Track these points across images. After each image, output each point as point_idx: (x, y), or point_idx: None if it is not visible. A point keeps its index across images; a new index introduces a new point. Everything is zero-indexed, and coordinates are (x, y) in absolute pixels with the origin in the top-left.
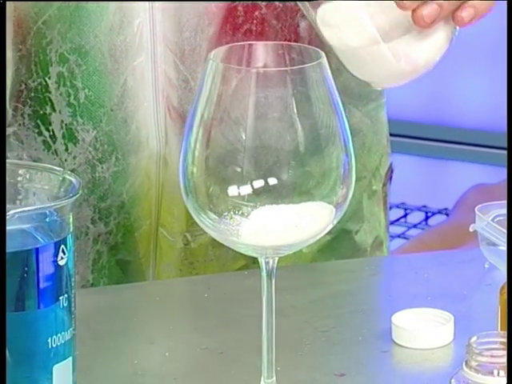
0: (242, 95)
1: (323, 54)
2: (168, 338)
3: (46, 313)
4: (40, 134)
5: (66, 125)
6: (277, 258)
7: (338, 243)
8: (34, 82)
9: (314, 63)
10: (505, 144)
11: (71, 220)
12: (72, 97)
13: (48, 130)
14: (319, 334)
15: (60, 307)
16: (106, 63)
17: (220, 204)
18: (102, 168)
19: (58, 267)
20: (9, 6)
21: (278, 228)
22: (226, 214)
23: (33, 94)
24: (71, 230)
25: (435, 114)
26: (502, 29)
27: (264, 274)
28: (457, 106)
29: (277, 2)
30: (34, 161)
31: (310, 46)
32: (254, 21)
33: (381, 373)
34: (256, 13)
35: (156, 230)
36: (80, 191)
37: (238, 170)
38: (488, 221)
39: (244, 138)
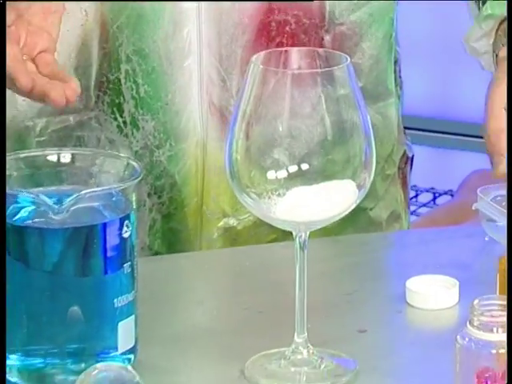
0: (279, 93)
1: (348, 58)
2: (215, 299)
3: (112, 278)
4: (115, 119)
5: (131, 114)
6: (308, 232)
7: (354, 217)
8: (112, 75)
9: (341, 66)
10: None
11: (134, 199)
12: (134, 91)
13: (122, 116)
14: (344, 297)
15: (124, 273)
16: (162, 64)
17: (260, 186)
18: (159, 153)
19: (122, 239)
20: (95, 10)
21: (308, 206)
22: (264, 194)
23: (111, 86)
24: (134, 207)
25: (443, 111)
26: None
27: (297, 245)
28: (461, 104)
29: (304, 19)
30: (109, 142)
31: (337, 52)
32: (285, 35)
33: (396, 330)
34: (287, 28)
35: (201, 208)
36: (142, 174)
37: (275, 157)
38: (488, 201)
39: (280, 129)
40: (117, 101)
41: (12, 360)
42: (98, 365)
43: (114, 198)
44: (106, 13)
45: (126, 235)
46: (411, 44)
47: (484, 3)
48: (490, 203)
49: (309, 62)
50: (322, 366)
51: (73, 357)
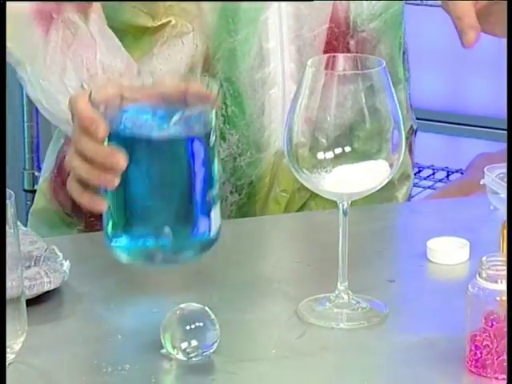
0: (328, 90)
1: (384, 62)
2: (274, 254)
3: (202, 176)
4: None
5: (220, 128)
6: (350, 202)
7: None
8: None
9: (378, 68)
10: (501, 126)
11: (213, 118)
12: (223, 110)
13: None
14: (377, 253)
15: (208, 173)
16: (246, 91)
17: (311, 164)
18: (240, 160)
19: (208, 147)
20: (202, 44)
21: (350, 181)
22: (315, 170)
23: None
24: (213, 125)
25: (456, 106)
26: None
27: (340, 212)
28: (470, 100)
29: (335, 30)
30: None
31: (374, 56)
32: (323, 43)
33: (419, 280)
34: (325, 38)
35: (269, 192)
36: (218, 97)
37: (324, 141)
38: (493, 177)
39: (329, 119)
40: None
41: (121, 242)
42: (182, 305)
43: (200, 117)
44: (210, 47)
45: (211, 144)
46: (428, 50)
47: None
48: (494, 179)
49: (352, 65)
50: (359, 309)
51: (174, 238)
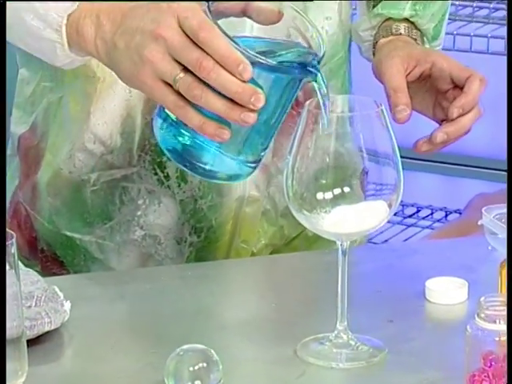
0: (327, 131)
1: (382, 104)
2: (273, 295)
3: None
4: (156, 174)
5: (180, 170)
6: (349, 242)
7: None
8: (154, 140)
9: (377, 109)
10: (500, 167)
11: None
12: None
13: (162, 172)
14: (375, 293)
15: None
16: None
17: (310, 205)
18: (201, 202)
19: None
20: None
21: (349, 221)
22: (314, 211)
23: (153, 148)
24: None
25: (453, 147)
26: (503, 84)
27: (340, 252)
28: (468, 141)
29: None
30: (149, 192)
31: (373, 99)
32: None
33: (418, 320)
34: None
35: (231, 243)
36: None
37: (323, 182)
38: (491, 218)
39: (327, 160)
40: (158, 160)
41: (176, 144)
42: (185, 346)
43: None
44: None
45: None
46: None
47: (375, 6)
48: (492, 219)
49: (350, 107)
50: (359, 349)
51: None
